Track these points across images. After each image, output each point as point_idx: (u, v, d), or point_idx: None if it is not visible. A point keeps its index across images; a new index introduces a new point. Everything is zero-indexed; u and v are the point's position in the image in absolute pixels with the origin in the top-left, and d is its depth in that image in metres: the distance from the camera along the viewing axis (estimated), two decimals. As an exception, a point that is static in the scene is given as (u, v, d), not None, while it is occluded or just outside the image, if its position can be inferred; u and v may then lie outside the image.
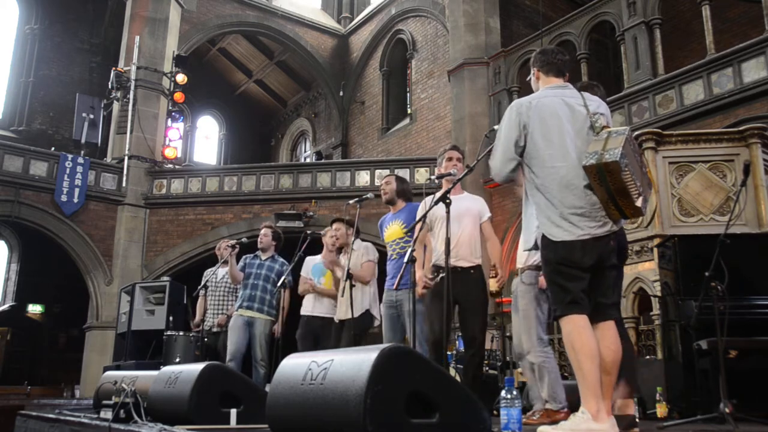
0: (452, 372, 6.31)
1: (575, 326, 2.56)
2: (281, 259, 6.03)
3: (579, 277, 2.60)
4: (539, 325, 3.72)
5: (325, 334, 5.48)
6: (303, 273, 5.67)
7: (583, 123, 2.71)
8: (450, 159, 4.08)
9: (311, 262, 5.73)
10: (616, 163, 2.44)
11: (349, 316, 4.68)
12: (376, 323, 5.00)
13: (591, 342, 2.53)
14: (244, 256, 6.03)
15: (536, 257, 3.76)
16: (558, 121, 2.71)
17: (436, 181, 4.02)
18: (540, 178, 2.70)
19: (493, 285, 4.01)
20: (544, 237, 2.68)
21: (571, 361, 2.58)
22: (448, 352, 5.97)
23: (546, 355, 3.67)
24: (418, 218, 3.76)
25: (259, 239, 6.03)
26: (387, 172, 11.02)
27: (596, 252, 2.61)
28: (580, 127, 2.71)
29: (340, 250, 5.36)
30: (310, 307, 5.60)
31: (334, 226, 5.34)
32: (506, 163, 2.79)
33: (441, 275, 3.84)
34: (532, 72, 2.98)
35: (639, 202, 2.53)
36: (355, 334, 4.77)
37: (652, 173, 5.41)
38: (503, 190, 10.33)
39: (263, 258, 5.97)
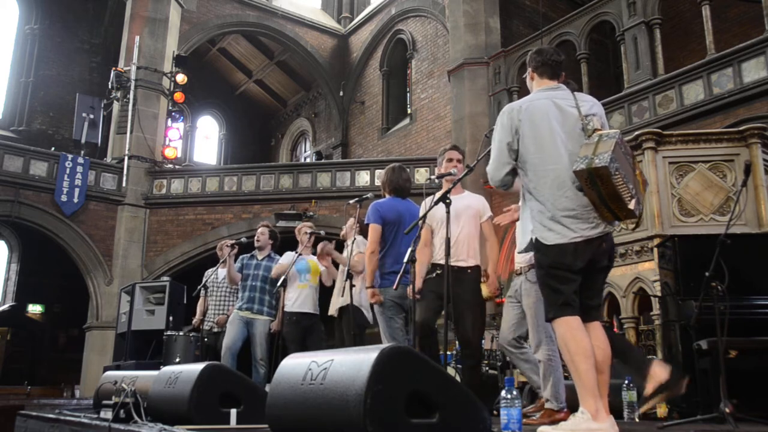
0: (452, 372, 6.31)
1: (569, 328, 2.57)
2: (278, 257, 6.03)
3: (571, 279, 2.62)
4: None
5: (312, 332, 5.51)
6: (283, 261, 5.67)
7: (574, 125, 2.71)
8: (450, 159, 4.05)
9: (295, 257, 5.71)
10: (606, 169, 2.45)
11: (338, 309, 4.73)
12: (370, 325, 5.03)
13: (585, 342, 2.55)
14: (240, 257, 6.03)
15: None
16: (548, 123, 2.71)
17: (437, 181, 4.01)
18: (533, 181, 2.71)
19: (485, 291, 4.00)
20: (536, 241, 2.69)
21: (566, 362, 2.60)
22: (448, 352, 5.97)
23: (553, 353, 3.66)
24: (417, 218, 3.76)
25: (256, 238, 6.02)
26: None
27: (588, 254, 2.63)
28: (571, 129, 2.70)
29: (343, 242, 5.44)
30: (297, 303, 5.57)
31: (350, 222, 5.41)
32: (500, 168, 2.80)
33: (436, 272, 3.85)
34: (527, 71, 2.98)
35: (632, 205, 2.53)
36: (355, 334, 4.78)
37: (649, 174, 5.41)
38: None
39: (260, 258, 5.96)
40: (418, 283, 3.79)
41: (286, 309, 5.57)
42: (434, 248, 3.96)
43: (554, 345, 3.70)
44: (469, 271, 3.87)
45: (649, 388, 2.69)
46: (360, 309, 4.93)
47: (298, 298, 5.58)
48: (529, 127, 2.72)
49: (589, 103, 2.79)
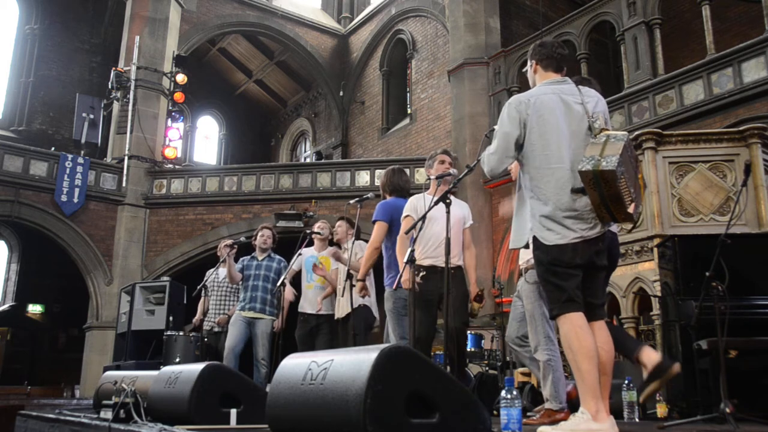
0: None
1: (573, 326, 2.56)
2: (278, 257, 6.04)
3: (572, 275, 2.61)
4: (546, 323, 3.71)
5: (320, 332, 5.50)
6: (295, 267, 5.67)
7: (579, 123, 2.68)
8: (442, 162, 4.17)
9: (306, 254, 5.72)
10: (613, 172, 2.42)
11: (348, 312, 4.74)
12: (376, 323, 5.03)
13: (589, 342, 2.53)
14: (241, 259, 6.03)
15: None
16: (555, 120, 2.67)
17: (436, 181, 4.05)
18: (534, 179, 2.68)
19: (475, 306, 4.07)
20: (535, 239, 2.68)
21: (569, 361, 2.58)
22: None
23: (552, 354, 3.65)
24: (418, 218, 3.76)
25: (263, 241, 5.99)
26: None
27: (587, 253, 2.62)
28: (576, 128, 2.67)
29: (339, 246, 5.43)
30: (304, 303, 5.60)
31: (338, 223, 5.41)
32: (503, 161, 2.77)
33: (422, 273, 3.88)
34: (529, 64, 2.94)
35: (631, 209, 2.52)
36: (356, 334, 4.78)
37: (649, 174, 5.42)
38: (504, 190, 10.33)
39: (260, 258, 5.97)
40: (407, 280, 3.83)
41: (298, 309, 5.61)
42: (418, 247, 3.97)
43: (553, 345, 3.70)
44: (452, 270, 3.88)
45: (645, 372, 2.71)
46: (369, 307, 4.95)
47: (304, 299, 5.61)
48: (537, 122, 2.68)
49: (594, 100, 2.76)
